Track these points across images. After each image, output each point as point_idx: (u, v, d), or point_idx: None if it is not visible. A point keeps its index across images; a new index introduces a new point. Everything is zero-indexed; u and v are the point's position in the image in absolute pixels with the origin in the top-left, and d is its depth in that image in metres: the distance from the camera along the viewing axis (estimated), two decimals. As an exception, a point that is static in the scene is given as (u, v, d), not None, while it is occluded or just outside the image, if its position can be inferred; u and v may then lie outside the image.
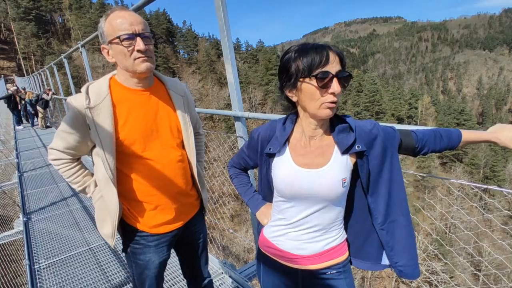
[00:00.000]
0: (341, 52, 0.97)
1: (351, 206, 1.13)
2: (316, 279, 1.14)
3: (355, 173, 1.06)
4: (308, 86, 0.95)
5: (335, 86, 0.93)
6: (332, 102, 0.95)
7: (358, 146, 1.00)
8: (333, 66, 0.93)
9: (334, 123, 1.06)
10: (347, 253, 1.16)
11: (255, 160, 1.24)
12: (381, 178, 1.04)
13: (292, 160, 1.07)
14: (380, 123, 1.08)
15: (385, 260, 1.13)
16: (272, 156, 1.12)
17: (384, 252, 1.12)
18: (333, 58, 0.93)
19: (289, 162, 1.07)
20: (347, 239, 1.18)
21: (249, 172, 1.45)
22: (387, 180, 1.04)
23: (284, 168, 1.08)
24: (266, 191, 1.23)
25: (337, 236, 1.13)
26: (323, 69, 0.92)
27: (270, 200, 1.23)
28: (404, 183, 1.07)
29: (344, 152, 1.02)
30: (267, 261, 1.22)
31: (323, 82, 0.93)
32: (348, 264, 1.17)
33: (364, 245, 1.14)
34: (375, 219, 1.07)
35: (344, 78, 0.94)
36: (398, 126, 1.21)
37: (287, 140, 1.10)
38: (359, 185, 1.09)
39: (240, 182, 1.37)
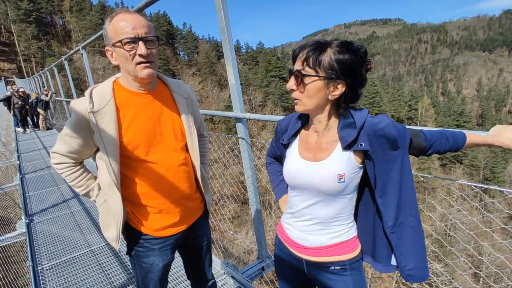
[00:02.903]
0: (311, 51, 0.97)
1: (363, 206, 1.13)
2: (320, 270, 1.17)
3: (365, 172, 1.04)
4: None
5: (288, 83, 1.03)
6: (295, 99, 1.04)
7: (361, 144, 0.98)
8: (296, 64, 1.01)
9: (343, 120, 1.05)
10: (357, 251, 1.14)
11: (281, 149, 1.30)
12: (391, 179, 1.01)
13: (298, 153, 1.13)
14: None
15: (393, 261, 1.11)
16: (285, 146, 1.19)
17: (392, 253, 1.11)
18: (297, 57, 1.00)
19: (295, 154, 1.13)
20: (359, 238, 1.16)
21: None
22: (398, 181, 1.01)
23: (291, 159, 1.14)
24: None
25: (343, 232, 1.12)
26: (293, 67, 1.03)
27: None
28: (414, 182, 1.04)
29: (346, 148, 1.01)
30: (281, 246, 1.29)
31: (288, 80, 1.04)
32: (357, 263, 1.14)
33: (377, 247, 1.13)
34: (385, 222, 1.05)
35: (302, 76, 0.99)
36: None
37: (299, 132, 1.17)
38: (368, 185, 1.07)
39: (271, 171, 1.46)
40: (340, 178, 1.01)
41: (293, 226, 1.20)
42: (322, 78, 0.97)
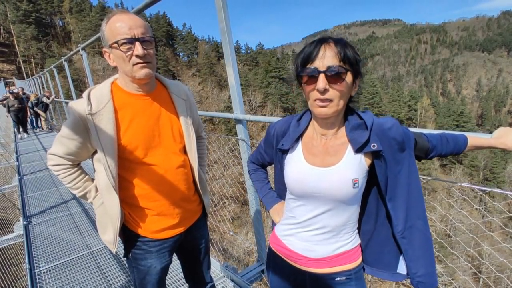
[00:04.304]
0: (341, 46, 0.89)
1: (368, 212, 1.08)
2: (325, 283, 1.10)
3: (371, 175, 1.00)
4: (303, 83, 0.96)
5: (320, 82, 0.88)
6: (321, 100, 0.91)
7: (373, 145, 0.94)
8: (323, 61, 0.88)
9: (351, 121, 1.00)
10: (360, 259, 1.11)
11: (271, 156, 1.22)
12: (400, 181, 0.97)
13: (303, 158, 1.04)
14: None
15: (401, 269, 1.07)
16: (285, 152, 1.10)
17: (400, 260, 1.07)
18: (323, 53, 0.89)
19: (299, 159, 1.05)
20: (361, 245, 1.12)
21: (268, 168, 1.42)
22: (406, 183, 0.98)
23: (294, 165, 1.06)
24: (281, 189, 1.21)
25: (349, 241, 1.08)
26: (311, 66, 0.90)
27: (285, 198, 1.20)
28: (421, 184, 1.02)
29: (358, 150, 0.96)
30: (277, 260, 1.21)
31: (306, 79, 0.92)
32: (360, 271, 1.11)
33: (382, 254, 1.08)
34: (395, 226, 1.01)
35: (335, 74, 0.88)
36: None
37: (301, 136, 1.08)
38: (376, 188, 1.03)
39: (257, 178, 1.36)
40: (355, 183, 0.96)
41: (297, 237, 1.11)
42: (355, 74, 0.92)
